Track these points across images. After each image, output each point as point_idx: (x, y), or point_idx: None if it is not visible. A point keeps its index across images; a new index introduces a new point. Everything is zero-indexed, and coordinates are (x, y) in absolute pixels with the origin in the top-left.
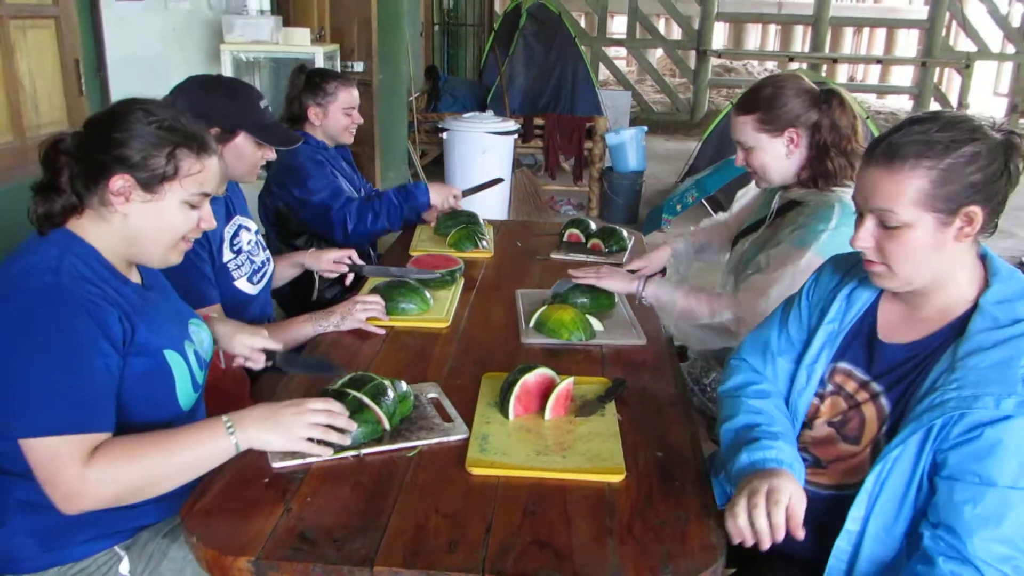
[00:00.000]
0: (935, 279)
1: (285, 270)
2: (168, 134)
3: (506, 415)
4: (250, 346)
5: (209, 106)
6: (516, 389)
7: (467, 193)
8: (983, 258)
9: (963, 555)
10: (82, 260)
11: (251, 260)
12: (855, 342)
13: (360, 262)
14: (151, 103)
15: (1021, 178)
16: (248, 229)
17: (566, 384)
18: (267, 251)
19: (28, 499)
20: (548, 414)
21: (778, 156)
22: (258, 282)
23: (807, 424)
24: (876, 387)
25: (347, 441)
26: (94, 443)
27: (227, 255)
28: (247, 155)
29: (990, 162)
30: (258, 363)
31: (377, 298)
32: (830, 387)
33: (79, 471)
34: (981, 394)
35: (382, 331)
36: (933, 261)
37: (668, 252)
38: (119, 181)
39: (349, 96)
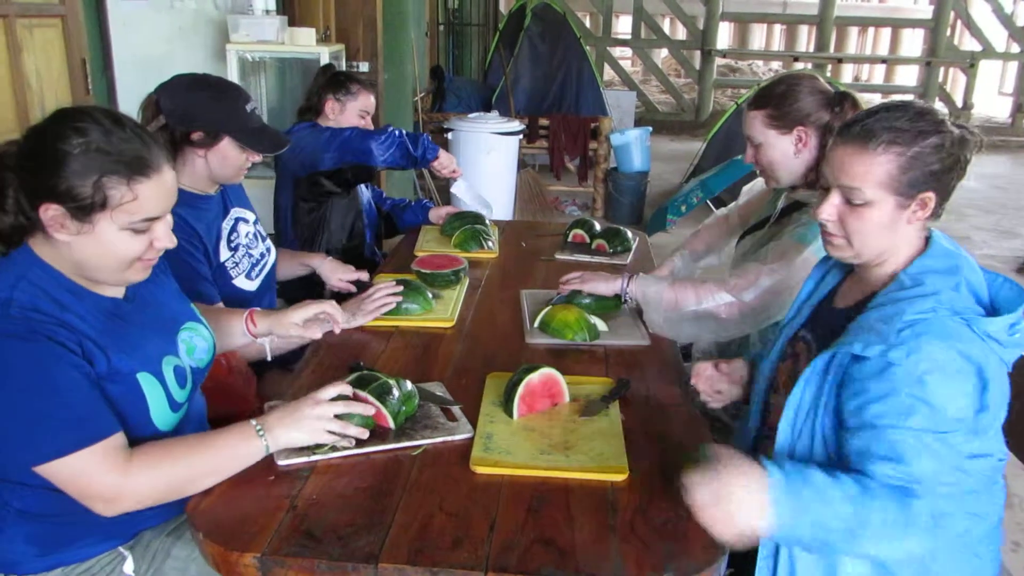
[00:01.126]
0: (880, 253)
1: (293, 267)
2: (93, 160)
3: (510, 414)
4: (294, 323)
5: (193, 108)
6: (520, 389)
7: (457, 189)
8: (928, 240)
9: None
10: (39, 287)
11: (249, 254)
12: (816, 311)
13: (365, 281)
14: (87, 116)
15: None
16: (246, 221)
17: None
18: (267, 241)
19: (25, 508)
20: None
21: (786, 154)
22: (256, 276)
23: (776, 389)
24: (814, 347)
25: (365, 434)
26: (114, 445)
27: (224, 254)
28: (231, 159)
29: (950, 154)
30: (315, 335)
31: (387, 287)
32: (788, 351)
33: (114, 476)
34: (855, 340)
35: (391, 304)
36: (885, 238)
37: (666, 272)
38: (49, 211)
39: (367, 100)
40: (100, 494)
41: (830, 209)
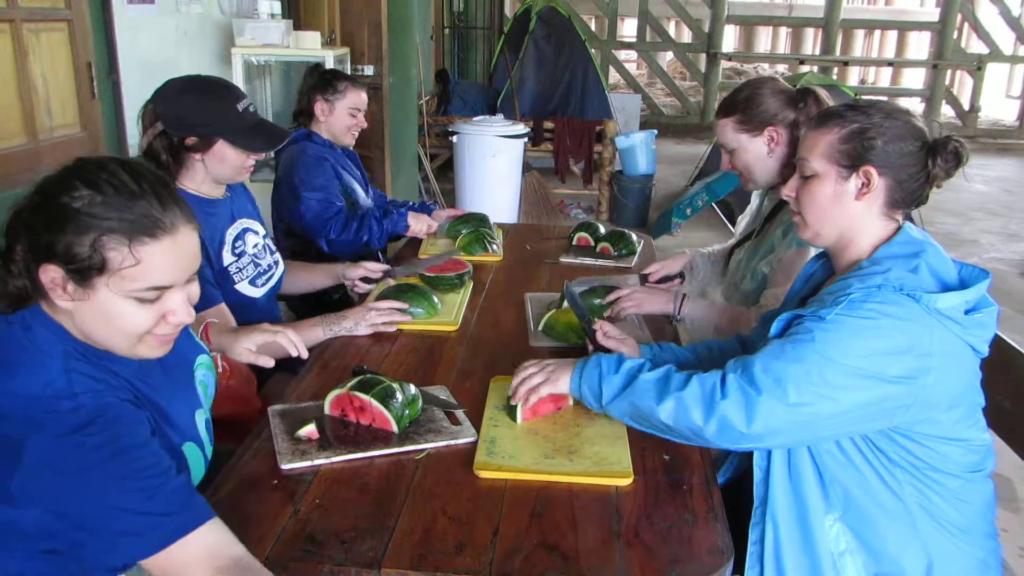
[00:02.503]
0: (841, 235)
1: (321, 279)
2: (94, 217)
3: (514, 419)
4: (247, 349)
5: (185, 113)
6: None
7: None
8: (898, 231)
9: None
10: (83, 359)
11: (256, 263)
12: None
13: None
14: (101, 169)
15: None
16: (255, 232)
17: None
18: (276, 254)
19: (22, 571)
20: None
21: (759, 156)
22: (263, 285)
23: None
24: None
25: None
26: (207, 541)
27: (228, 258)
28: (230, 159)
29: (896, 137)
30: (267, 363)
31: (392, 303)
32: None
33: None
34: (803, 308)
35: (393, 328)
36: (836, 214)
37: (686, 259)
38: (49, 273)
39: (357, 97)
40: None
41: (791, 185)
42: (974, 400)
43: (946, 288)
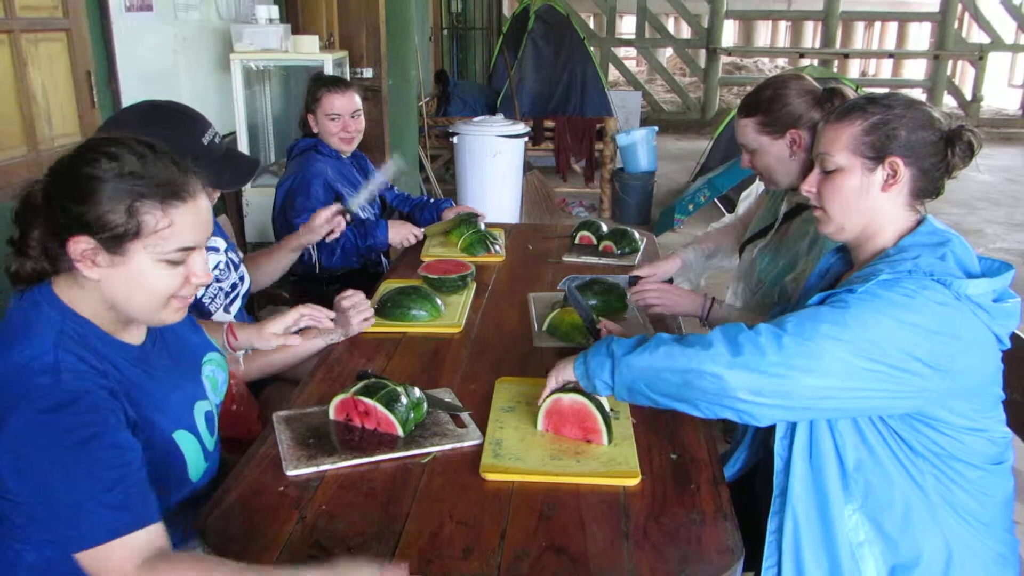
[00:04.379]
0: (864, 228)
1: (285, 258)
2: (125, 184)
3: (534, 424)
4: (273, 333)
5: None
6: (547, 403)
7: (431, 231)
8: (921, 221)
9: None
10: (77, 339)
11: (220, 288)
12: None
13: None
14: (116, 143)
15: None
16: (216, 249)
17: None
18: (240, 269)
19: (37, 563)
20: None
21: (781, 158)
22: (231, 307)
23: None
24: None
25: None
26: (148, 540)
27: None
28: None
29: (918, 127)
30: (294, 341)
31: (359, 296)
32: None
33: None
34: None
35: (370, 323)
36: (862, 207)
37: (678, 262)
38: (79, 244)
39: (330, 102)
40: None
41: (811, 180)
42: (996, 391)
43: (968, 275)
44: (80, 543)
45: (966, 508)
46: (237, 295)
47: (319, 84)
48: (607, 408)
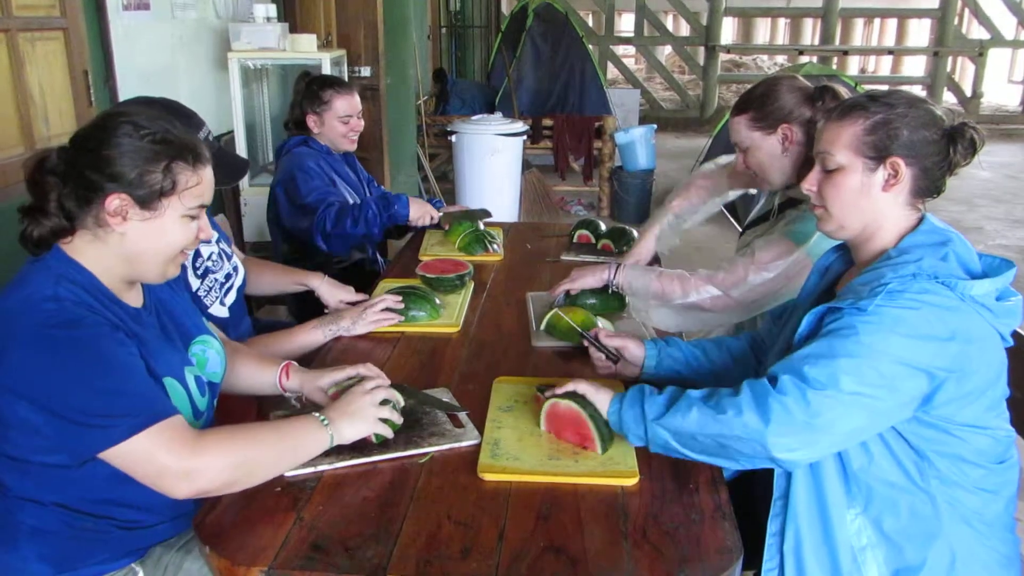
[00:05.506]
0: (866, 226)
1: (286, 284)
2: (162, 147)
3: (533, 424)
4: (320, 388)
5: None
6: (547, 405)
7: (447, 216)
8: (922, 220)
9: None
10: (80, 286)
11: (215, 279)
12: (820, 302)
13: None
14: (139, 114)
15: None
16: (207, 242)
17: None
18: (232, 259)
19: (38, 525)
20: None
21: (773, 154)
22: (226, 296)
23: None
24: None
25: (398, 418)
26: (180, 423)
27: (194, 283)
28: None
29: (920, 126)
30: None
31: (393, 299)
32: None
33: (187, 453)
34: (835, 302)
35: (394, 320)
36: (863, 206)
37: (652, 241)
38: (115, 200)
39: (345, 104)
40: (174, 472)
41: (812, 178)
42: (1002, 388)
43: (969, 274)
44: (111, 440)
45: (970, 508)
46: (232, 286)
47: (325, 86)
48: (603, 417)
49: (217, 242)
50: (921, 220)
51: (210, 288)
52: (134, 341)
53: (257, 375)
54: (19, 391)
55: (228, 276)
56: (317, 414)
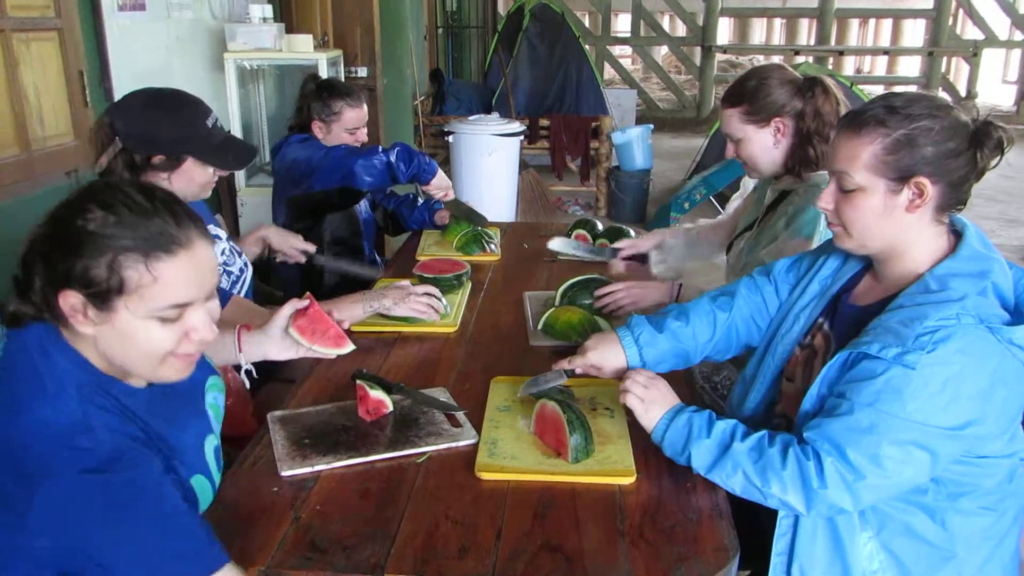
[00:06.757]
0: (891, 246)
1: (249, 248)
2: (108, 237)
3: (528, 425)
4: (280, 328)
5: (150, 130)
6: (536, 407)
7: (453, 204)
8: (959, 236)
9: (805, 439)
10: (97, 389)
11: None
12: (834, 304)
13: (321, 259)
14: (114, 190)
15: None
16: (219, 238)
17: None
18: (243, 256)
19: None
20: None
21: (766, 147)
22: (240, 290)
23: (787, 377)
24: (833, 343)
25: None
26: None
27: None
28: (197, 178)
29: (946, 139)
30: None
31: (435, 292)
32: (807, 339)
33: None
34: (873, 341)
35: (436, 316)
36: (885, 227)
37: (656, 238)
38: (69, 298)
39: (354, 116)
40: None
41: (827, 197)
42: (1021, 417)
43: (1003, 305)
44: None
45: (980, 528)
46: (244, 280)
47: (336, 96)
48: (584, 426)
49: (228, 239)
50: (958, 238)
51: (219, 284)
52: (157, 446)
53: (217, 349)
54: (52, 535)
55: (241, 271)
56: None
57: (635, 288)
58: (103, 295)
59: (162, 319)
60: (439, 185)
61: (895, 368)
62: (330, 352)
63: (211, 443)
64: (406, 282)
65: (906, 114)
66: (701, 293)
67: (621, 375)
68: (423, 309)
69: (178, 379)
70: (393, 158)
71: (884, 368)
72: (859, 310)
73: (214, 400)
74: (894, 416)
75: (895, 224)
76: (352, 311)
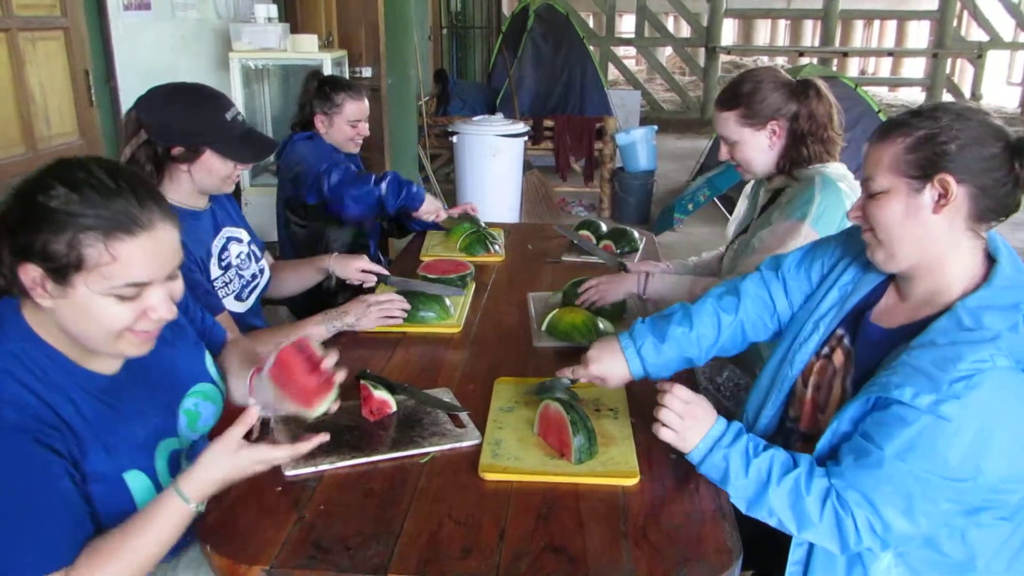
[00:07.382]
0: (921, 260)
1: (309, 276)
2: (70, 215)
3: (532, 427)
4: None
5: (171, 122)
6: (540, 407)
7: (449, 221)
8: (993, 260)
9: (838, 492)
10: (31, 366)
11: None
12: (855, 316)
13: (386, 273)
14: (80, 168)
15: None
16: (239, 240)
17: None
18: (260, 262)
19: None
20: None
21: (761, 149)
22: (247, 297)
23: (804, 381)
24: (853, 358)
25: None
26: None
27: (215, 271)
28: (217, 170)
29: (973, 140)
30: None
31: (397, 298)
32: (826, 350)
33: None
34: (904, 384)
35: (398, 320)
36: (912, 232)
37: (662, 265)
38: (29, 272)
39: (356, 108)
40: None
41: (857, 204)
42: None
43: None
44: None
45: (999, 541)
46: (256, 286)
47: (338, 88)
48: (587, 427)
49: (249, 243)
50: (991, 265)
51: (228, 282)
52: (87, 434)
53: (232, 387)
54: None
55: (255, 276)
56: (175, 490)
57: (604, 284)
58: (62, 270)
59: (120, 296)
60: (428, 210)
61: (928, 418)
62: (301, 411)
63: (168, 446)
64: (371, 296)
65: (929, 116)
66: (665, 280)
67: (625, 384)
68: (384, 317)
69: (137, 354)
70: (384, 191)
71: (916, 417)
72: (883, 333)
73: (194, 406)
74: (929, 474)
75: (923, 229)
76: (316, 331)
